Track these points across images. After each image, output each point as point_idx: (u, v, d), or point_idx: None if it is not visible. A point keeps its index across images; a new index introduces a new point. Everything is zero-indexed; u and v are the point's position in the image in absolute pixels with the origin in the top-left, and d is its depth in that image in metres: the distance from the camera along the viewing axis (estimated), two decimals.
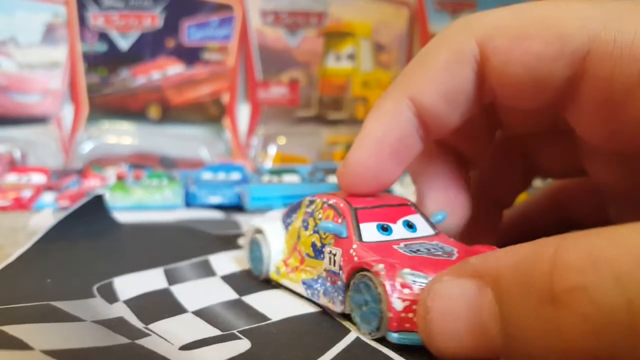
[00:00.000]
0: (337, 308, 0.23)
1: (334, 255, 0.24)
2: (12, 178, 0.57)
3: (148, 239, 0.37)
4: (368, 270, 0.21)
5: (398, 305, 0.20)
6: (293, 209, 0.28)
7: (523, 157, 0.32)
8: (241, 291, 0.27)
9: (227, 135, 0.75)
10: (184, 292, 0.27)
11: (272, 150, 0.74)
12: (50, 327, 0.21)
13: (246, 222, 0.44)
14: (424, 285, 0.20)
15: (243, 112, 0.77)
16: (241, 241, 0.37)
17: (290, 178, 0.56)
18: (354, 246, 0.23)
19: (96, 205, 0.39)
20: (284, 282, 0.27)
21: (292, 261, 0.27)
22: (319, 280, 0.25)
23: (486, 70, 0.23)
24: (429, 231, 0.25)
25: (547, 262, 0.16)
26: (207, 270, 0.30)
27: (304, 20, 0.75)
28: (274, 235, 0.28)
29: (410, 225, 0.24)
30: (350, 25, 0.76)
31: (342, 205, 0.25)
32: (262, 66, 0.75)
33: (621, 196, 0.28)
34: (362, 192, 0.26)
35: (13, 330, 0.20)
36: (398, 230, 0.24)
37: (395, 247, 0.23)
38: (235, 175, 0.57)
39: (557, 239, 0.16)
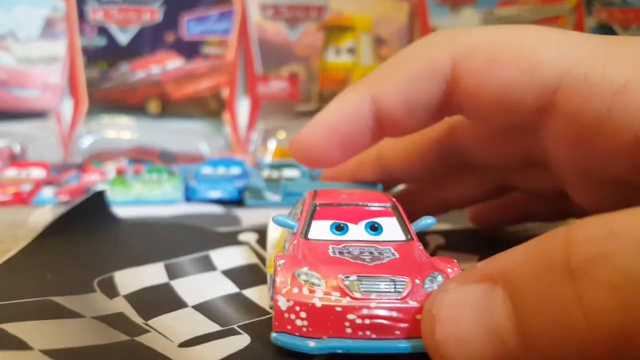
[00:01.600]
0: (267, 303, 0.24)
1: (285, 250, 0.24)
2: (11, 173, 0.57)
3: (148, 235, 0.37)
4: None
5: (282, 303, 0.19)
6: (296, 204, 0.28)
7: (494, 181, 0.33)
8: (242, 285, 0.27)
9: (227, 130, 0.75)
10: (184, 287, 0.27)
11: (272, 144, 0.74)
12: (50, 325, 0.21)
13: (246, 217, 0.44)
14: (316, 287, 0.19)
15: (243, 107, 0.77)
16: (242, 237, 0.36)
17: (290, 173, 0.56)
18: (294, 242, 0.23)
19: (97, 202, 0.39)
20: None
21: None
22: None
23: (456, 88, 0.24)
24: (398, 236, 0.23)
25: (560, 242, 0.15)
26: (207, 265, 0.30)
27: (304, 14, 0.75)
28: None
29: (374, 228, 0.23)
30: (350, 19, 0.76)
31: (307, 200, 0.25)
32: (262, 60, 0.75)
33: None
34: (307, 166, 0.28)
35: (13, 328, 0.20)
36: (355, 231, 0.23)
37: (331, 246, 0.22)
38: (235, 170, 0.57)
39: (564, 227, 0.16)
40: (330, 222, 0.23)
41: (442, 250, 0.34)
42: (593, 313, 0.14)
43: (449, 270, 0.20)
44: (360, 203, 0.24)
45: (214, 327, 0.22)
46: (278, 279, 0.20)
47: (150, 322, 0.22)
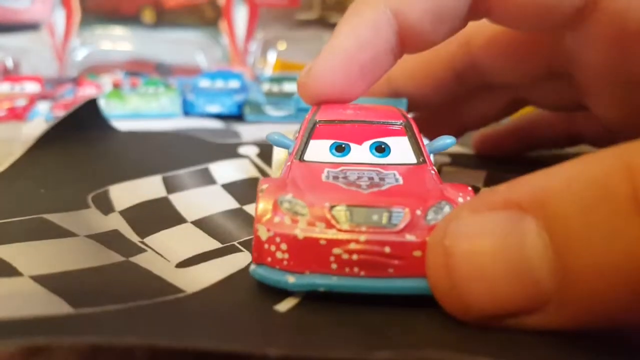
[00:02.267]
0: None
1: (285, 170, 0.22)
2: (5, 87, 0.56)
3: (145, 146, 0.36)
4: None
5: (262, 233, 0.17)
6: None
7: (510, 95, 0.31)
8: (242, 200, 0.27)
9: (224, 40, 0.72)
10: (183, 201, 0.26)
11: (272, 56, 0.71)
12: (41, 246, 0.20)
13: (246, 132, 0.43)
14: (299, 217, 0.17)
15: (240, 15, 0.74)
16: (242, 150, 0.36)
17: (291, 87, 0.54)
18: (288, 163, 0.20)
19: (90, 110, 0.38)
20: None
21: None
22: None
23: None
24: (408, 159, 0.20)
25: (620, 170, 0.13)
26: (207, 179, 0.30)
27: None
28: None
29: (380, 149, 0.21)
30: None
31: (308, 116, 0.22)
32: None
33: (626, 130, 0.26)
34: (323, 103, 0.23)
35: (2, 251, 0.19)
36: (358, 153, 0.21)
37: (326, 170, 0.19)
38: (234, 83, 0.55)
39: (614, 151, 0.14)
40: (330, 141, 0.21)
41: (446, 167, 0.33)
42: None
43: (460, 199, 0.17)
44: (366, 120, 0.21)
45: (214, 244, 0.22)
46: (259, 206, 0.17)
47: (146, 240, 0.22)
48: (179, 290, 0.18)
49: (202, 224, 0.24)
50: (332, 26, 0.75)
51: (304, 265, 0.17)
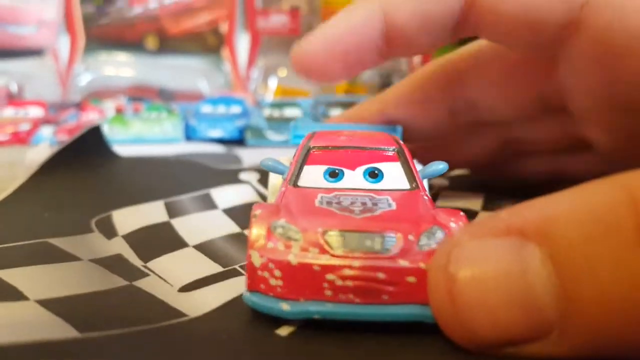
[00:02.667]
0: None
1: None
2: (9, 112, 0.56)
3: (148, 172, 0.37)
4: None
5: (255, 259, 0.17)
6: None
7: (503, 135, 0.31)
8: (243, 224, 0.27)
9: (227, 67, 0.73)
10: (184, 226, 0.26)
11: (273, 82, 0.72)
12: (46, 270, 0.20)
13: (247, 156, 0.44)
14: (293, 242, 0.17)
15: (242, 42, 0.75)
16: (243, 176, 0.36)
17: (291, 112, 0.55)
18: (282, 189, 0.20)
19: (94, 137, 0.39)
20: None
21: None
22: None
23: (476, 4, 0.22)
24: (401, 185, 0.20)
25: (625, 200, 0.13)
26: (208, 204, 0.30)
27: None
28: None
29: (373, 175, 0.21)
30: None
31: (303, 142, 0.22)
32: None
33: (621, 156, 0.26)
34: (306, 78, 0.26)
35: (9, 276, 0.19)
36: (351, 178, 0.21)
37: (320, 195, 0.19)
38: (236, 109, 0.56)
39: (618, 180, 0.14)
40: (324, 167, 0.21)
41: (444, 190, 0.33)
42: None
43: (452, 224, 0.17)
44: (359, 146, 0.22)
45: (216, 268, 0.22)
46: (252, 232, 0.17)
47: (149, 264, 0.22)
48: (182, 315, 0.18)
49: (204, 248, 0.24)
50: None
51: (297, 292, 0.16)
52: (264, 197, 0.31)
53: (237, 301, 0.19)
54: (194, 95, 0.68)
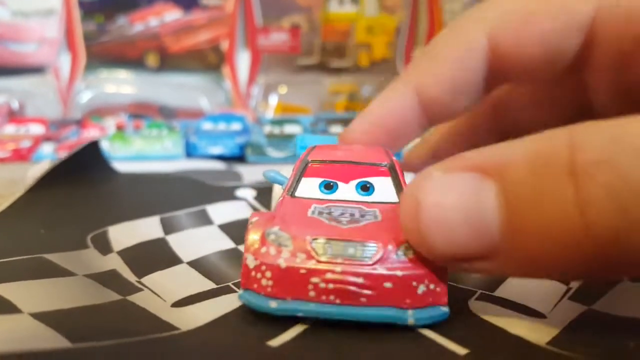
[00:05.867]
0: None
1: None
2: (10, 129, 0.57)
3: (145, 188, 0.37)
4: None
5: (250, 262, 0.19)
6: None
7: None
8: (238, 240, 0.27)
9: (227, 84, 0.73)
10: (179, 242, 0.27)
11: (273, 99, 0.72)
12: (40, 285, 0.20)
13: (247, 173, 0.44)
14: (283, 248, 0.18)
15: (243, 60, 0.75)
16: (239, 193, 0.36)
17: (292, 129, 0.55)
18: (280, 198, 0.22)
19: (92, 152, 0.39)
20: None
21: None
22: None
23: (497, 57, 0.24)
24: (390, 198, 0.22)
25: (564, 143, 0.15)
26: (204, 220, 0.30)
27: None
28: None
29: (365, 188, 0.22)
30: None
31: (302, 156, 0.24)
32: (262, 11, 0.73)
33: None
34: None
35: (3, 290, 0.19)
36: (344, 191, 0.22)
37: (314, 206, 0.21)
38: (236, 126, 0.56)
39: (565, 128, 0.16)
40: (319, 179, 0.22)
41: None
42: (591, 214, 0.14)
43: None
44: (354, 161, 0.23)
45: (209, 285, 0.22)
46: (249, 237, 0.19)
47: (143, 279, 0.22)
48: (174, 328, 0.18)
49: (198, 265, 0.24)
50: (331, 71, 0.76)
51: (285, 292, 0.18)
52: None
53: (229, 317, 0.19)
54: (194, 113, 0.69)
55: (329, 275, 0.18)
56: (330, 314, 0.18)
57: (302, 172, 0.23)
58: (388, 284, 0.18)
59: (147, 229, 0.28)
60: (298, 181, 0.22)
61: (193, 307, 0.20)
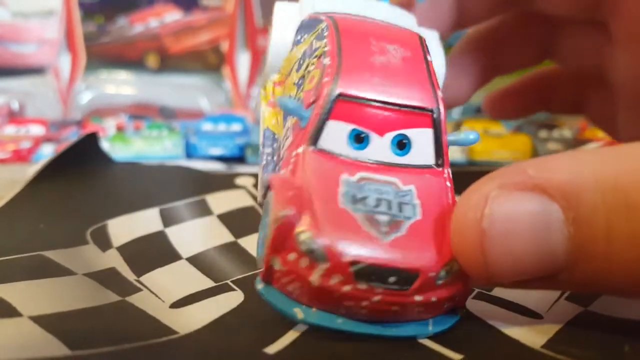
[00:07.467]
0: (259, 198, 0.20)
1: (287, 137, 0.19)
2: (10, 130, 0.57)
3: (144, 178, 0.37)
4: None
5: (276, 264, 0.17)
6: (308, 28, 0.22)
7: (542, 38, 0.33)
8: (237, 233, 0.27)
9: (227, 85, 0.73)
10: (178, 236, 0.26)
11: None
12: (40, 285, 0.20)
13: (247, 172, 0.44)
14: (319, 263, 0.16)
15: (243, 61, 0.75)
16: (239, 181, 0.36)
17: None
18: (300, 149, 0.18)
19: (89, 144, 0.39)
20: (262, 111, 0.23)
21: (278, 92, 0.23)
22: (271, 152, 0.21)
23: None
24: (427, 159, 0.19)
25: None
26: (203, 210, 0.30)
27: None
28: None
29: (401, 145, 0.19)
30: None
31: (326, 79, 0.18)
32: (262, 11, 0.73)
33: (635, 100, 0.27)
34: None
35: (3, 291, 0.19)
36: (378, 147, 0.18)
37: (342, 176, 0.17)
38: (236, 127, 0.56)
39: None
40: (349, 127, 0.18)
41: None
42: None
43: None
44: (396, 102, 0.19)
45: (208, 283, 0.22)
46: (270, 231, 0.16)
47: (142, 278, 0.22)
48: (172, 332, 0.18)
49: (197, 261, 0.24)
50: None
51: (312, 302, 0.17)
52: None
53: (226, 318, 0.19)
54: (194, 113, 0.69)
55: (364, 303, 0.16)
56: (356, 330, 0.17)
57: (329, 111, 0.18)
58: (420, 309, 0.17)
59: (146, 221, 0.28)
60: (322, 124, 0.18)
61: (191, 308, 0.20)
